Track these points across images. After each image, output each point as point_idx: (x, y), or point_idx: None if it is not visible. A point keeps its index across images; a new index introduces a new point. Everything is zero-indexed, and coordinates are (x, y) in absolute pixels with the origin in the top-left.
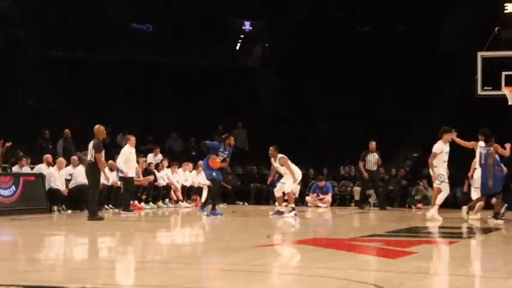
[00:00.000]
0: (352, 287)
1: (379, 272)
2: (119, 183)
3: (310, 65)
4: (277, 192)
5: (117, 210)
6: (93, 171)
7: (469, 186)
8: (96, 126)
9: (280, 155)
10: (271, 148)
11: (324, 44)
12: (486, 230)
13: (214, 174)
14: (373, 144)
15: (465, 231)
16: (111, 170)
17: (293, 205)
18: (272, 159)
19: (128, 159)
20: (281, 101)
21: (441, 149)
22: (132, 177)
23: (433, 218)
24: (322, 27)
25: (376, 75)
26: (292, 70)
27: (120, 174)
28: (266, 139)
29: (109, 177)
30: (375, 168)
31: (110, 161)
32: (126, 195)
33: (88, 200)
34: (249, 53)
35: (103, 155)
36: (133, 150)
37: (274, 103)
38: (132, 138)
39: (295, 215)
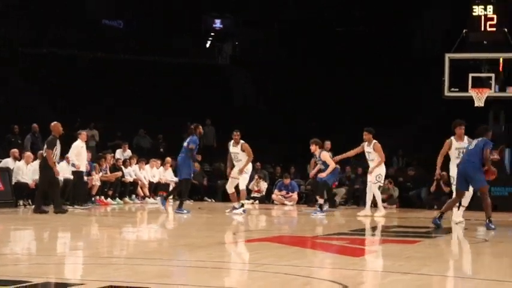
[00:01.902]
0: (316, 284)
1: (343, 270)
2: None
3: (282, 63)
4: (229, 188)
5: (75, 206)
6: (43, 166)
7: (438, 186)
8: (53, 123)
9: (243, 142)
10: (235, 133)
11: (296, 43)
12: (449, 230)
13: (191, 173)
14: (328, 144)
15: (429, 230)
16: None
17: (244, 201)
18: (232, 143)
19: (79, 154)
20: (253, 98)
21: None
22: (82, 172)
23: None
24: (297, 26)
25: (350, 74)
26: (262, 68)
27: (72, 168)
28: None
29: (59, 172)
30: None
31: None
32: (77, 189)
33: (52, 195)
34: (220, 51)
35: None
36: (84, 145)
37: (245, 101)
38: (84, 133)
39: (244, 211)
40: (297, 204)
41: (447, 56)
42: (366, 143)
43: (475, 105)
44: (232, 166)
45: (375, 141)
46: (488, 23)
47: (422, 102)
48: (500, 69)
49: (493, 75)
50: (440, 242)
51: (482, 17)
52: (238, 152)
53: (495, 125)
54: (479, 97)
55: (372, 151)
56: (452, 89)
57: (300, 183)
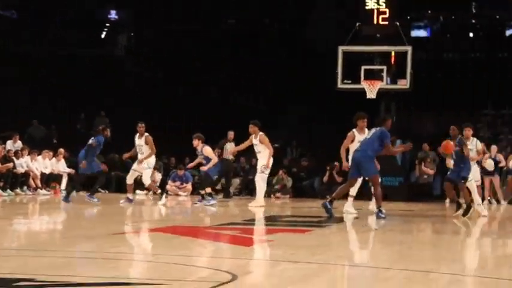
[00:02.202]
0: (206, 274)
1: (234, 260)
2: None
3: (177, 55)
4: (129, 179)
5: None
6: None
7: (331, 176)
8: None
9: (147, 134)
10: (140, 125)
11: (191, 35)
12: (341, 219)
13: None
14: (231, 134)
15: (321, 220)
16: None
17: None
18: (137, 136)
19: None
20: (149, 89)
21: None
22: None
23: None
24: (188, 19)
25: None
26: (158, 59)
27: None
28: (131, 128)
29: None
30: (230, 157)
31: None
32: None
33: None
34: (115, 42)
35: None
36: None
37: (141, 91)
38: None
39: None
40: (191, 195)
41: (340, 48)
42: (253, 135)
43: (367, 96)
44: (136, 157)
45: (260, 133)
46: (381, 16)
47: (315, 94)
48: (392, 62)
49: (385, 67)
50: (332, 231)
51: (375, 11)
52: (142, 144)
53: (386, 115)
54: (371, 89)
55: (258, 143)
56: (345, 81)
57: (194, 174)
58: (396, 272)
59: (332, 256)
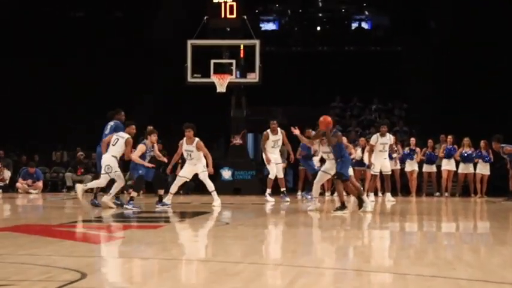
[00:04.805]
0: (54, 273)
1: (83, 258)
2: None
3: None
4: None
5: None
6: None
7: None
8: None
9: None
10: None
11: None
12: (194, 214)
13: None
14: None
15: (172, 215)
16: None
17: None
18: None
19: None
20: None
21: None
22: None
23: None
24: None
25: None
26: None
27: None
28: None
29: None
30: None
31: None
32: None
33: None
34: None
35: None
36: None
37: None
38: None
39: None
40: (42, 193)
41: (189, 42)
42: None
43: (217, 91)
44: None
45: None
46: (229, 10)
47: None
48: (241, 55)
49: (234, 61)
50: (183, 227)
51: (223, 4)
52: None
53: (237, 110)
54: (221, 83)
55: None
56: (195, 75)
57: (45, 171)
58: (243, 266)
59: (181, 251)
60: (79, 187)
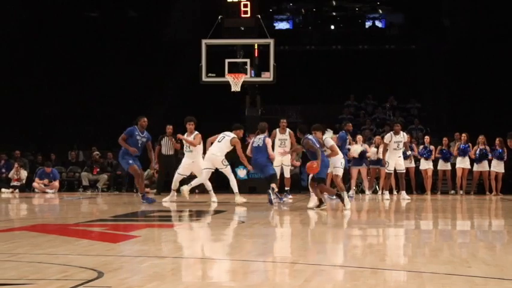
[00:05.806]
0: (71, 272)
1: (100, 257)
2: None
3: (29, 45)
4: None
5: None
6: None
7: None
8: None
9: None
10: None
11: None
12: (209, 213)
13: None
14: (170, 128)
15: (188, 214)
16: None
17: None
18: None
19: None
20: None
21: None
22: None
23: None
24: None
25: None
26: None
27: None
28: None
29: None
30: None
31: None
32: None
33: None
34: None
35: None
36: None
37: None
38: None
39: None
40: (58, 192)
41: (204, 41)
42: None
43: (232, 90)
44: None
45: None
46: (243, 9)
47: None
48: (256, 54)
49: (248, 60)
50: (199, 225)
51: (238, 4)
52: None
53: (252, 108)
54: (235, 82)
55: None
56: (210, 75)
57: (62, 171)
58: (259, 264)
59: (199, 250)
60: (184, 188)
